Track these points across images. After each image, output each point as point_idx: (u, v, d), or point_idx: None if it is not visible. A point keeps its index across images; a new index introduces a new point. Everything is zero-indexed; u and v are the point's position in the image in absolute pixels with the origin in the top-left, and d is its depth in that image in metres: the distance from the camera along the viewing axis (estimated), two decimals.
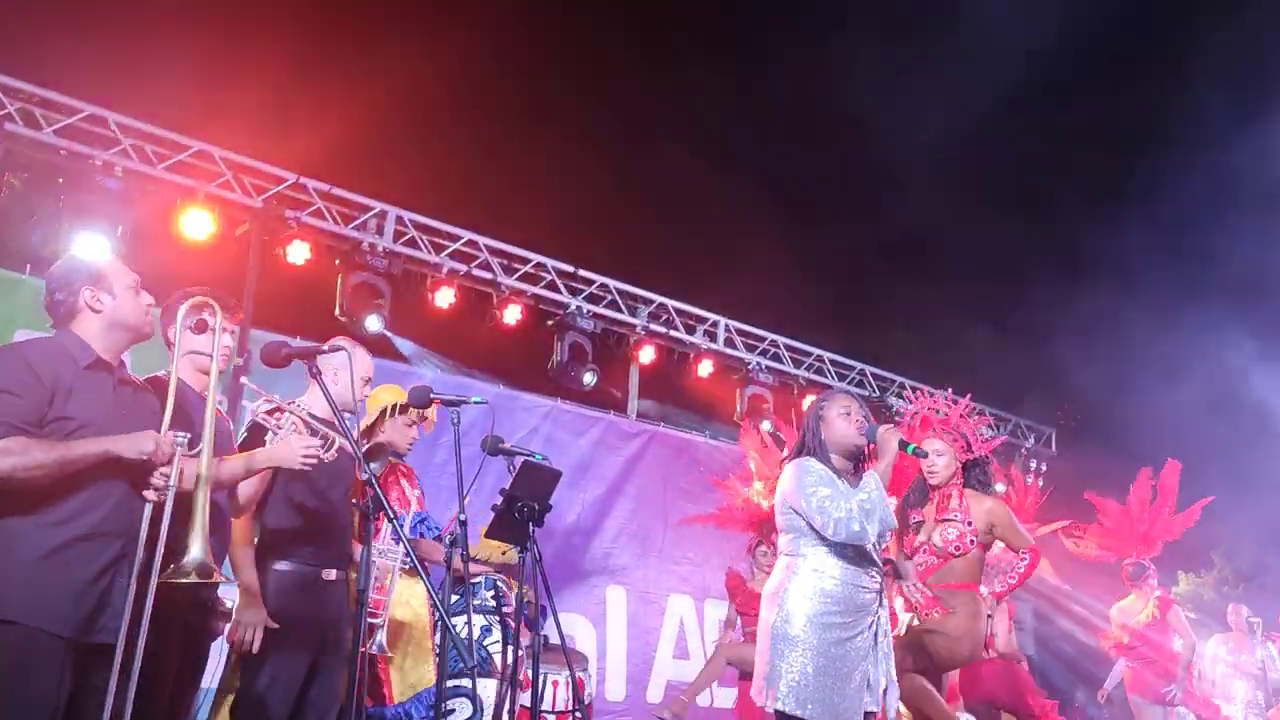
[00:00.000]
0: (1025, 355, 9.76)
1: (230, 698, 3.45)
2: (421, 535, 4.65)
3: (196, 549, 2.66)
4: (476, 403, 3.85)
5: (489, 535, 3.82)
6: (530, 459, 3.75)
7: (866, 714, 3.64)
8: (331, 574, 3.57)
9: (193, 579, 2.64)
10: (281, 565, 3.47)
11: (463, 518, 3.51)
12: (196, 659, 3.33)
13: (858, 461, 3.84)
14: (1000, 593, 4.63)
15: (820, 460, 3.78)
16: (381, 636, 3.85)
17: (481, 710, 5.08)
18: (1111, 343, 9.73)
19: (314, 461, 3.07)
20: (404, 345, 7.63)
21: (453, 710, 4.99)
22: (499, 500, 3.72)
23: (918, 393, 5.34)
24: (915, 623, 4.43)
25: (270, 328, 6.40)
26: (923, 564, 4.50)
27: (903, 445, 3.81)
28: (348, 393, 3.49)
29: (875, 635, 3.70)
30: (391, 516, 2.91)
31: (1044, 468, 10.33)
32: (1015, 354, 9.86)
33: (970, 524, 4.46)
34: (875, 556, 3.77)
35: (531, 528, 3.69)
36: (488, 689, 5.13)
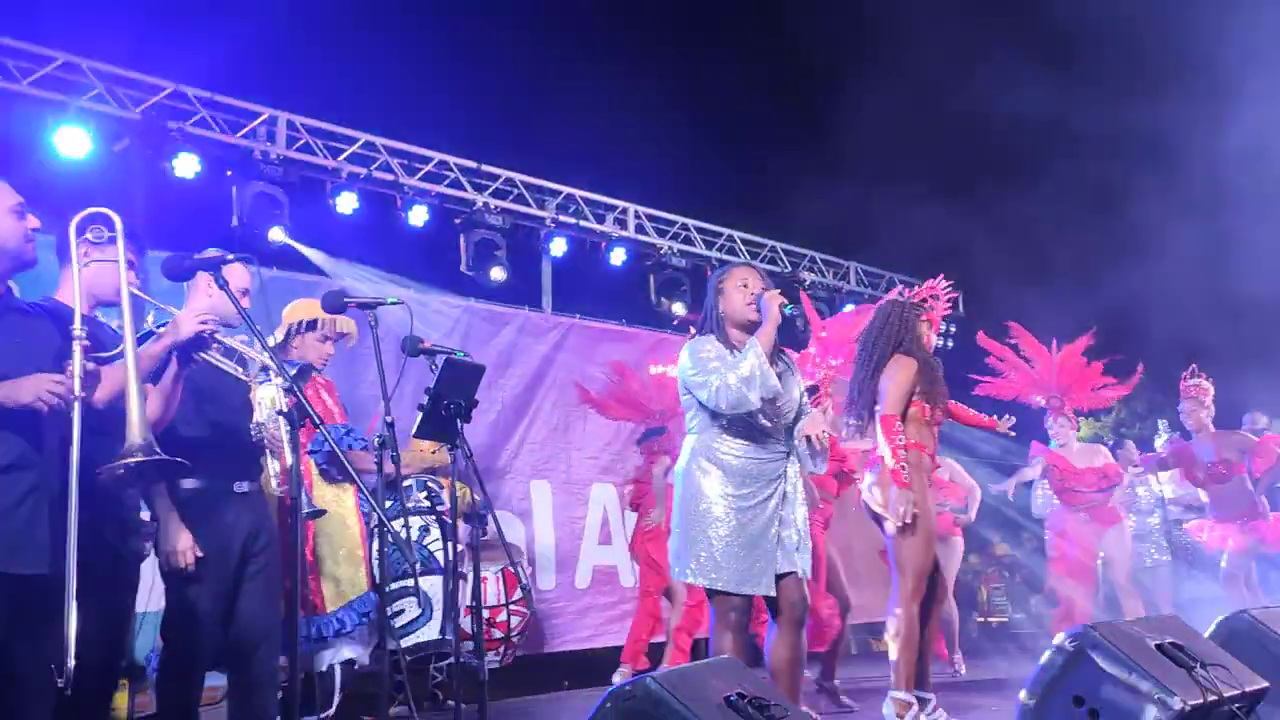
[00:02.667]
0: (932, 219, 9.88)
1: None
2: (350, 448, 4.60)
3: (135, 433, 2.62)
4: (392, 303, 3.82)
5: (417, 435, 3.82)
6: (452, 356, 3.74)
7: (784, 574, 3.70)
8: (244, 486, 3.54)
9: (138, 457, 2.61)
10: (189, 483, 3.38)
11: (389, 419, 3.50)
12: (127, 583, 3.28)
13: None
14: None
15: (719, 338, 3.78)
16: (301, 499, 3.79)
17: (431, 608, 5.17)
18: (1021, 204, 9.85)
19: (212, 326, 2.98)
20: (312, 255, 7.41)
21: (401, 611, 5.07)
22: (424, 401, 3.71)
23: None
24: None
25: (166, 247, 6.13)
26: None
27: (784, 309, 3.67)
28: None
29: (783, 495, 3.74)
30: (318, 422, 2.88)
31: (954, 329, 10.63)
32: (922, 219, 9.98)
33: None
34: (775, 432, 3.78)
35: (459, 424, 3.70)
36: (434, 586, 5.21)
